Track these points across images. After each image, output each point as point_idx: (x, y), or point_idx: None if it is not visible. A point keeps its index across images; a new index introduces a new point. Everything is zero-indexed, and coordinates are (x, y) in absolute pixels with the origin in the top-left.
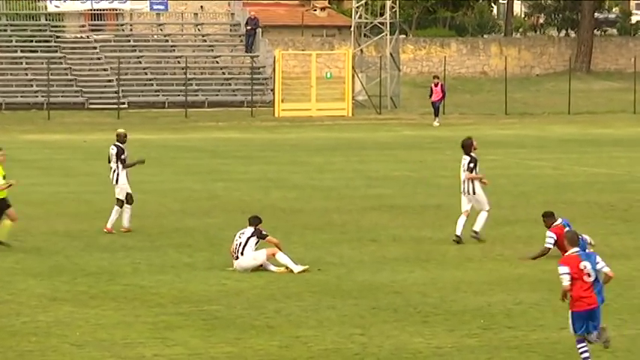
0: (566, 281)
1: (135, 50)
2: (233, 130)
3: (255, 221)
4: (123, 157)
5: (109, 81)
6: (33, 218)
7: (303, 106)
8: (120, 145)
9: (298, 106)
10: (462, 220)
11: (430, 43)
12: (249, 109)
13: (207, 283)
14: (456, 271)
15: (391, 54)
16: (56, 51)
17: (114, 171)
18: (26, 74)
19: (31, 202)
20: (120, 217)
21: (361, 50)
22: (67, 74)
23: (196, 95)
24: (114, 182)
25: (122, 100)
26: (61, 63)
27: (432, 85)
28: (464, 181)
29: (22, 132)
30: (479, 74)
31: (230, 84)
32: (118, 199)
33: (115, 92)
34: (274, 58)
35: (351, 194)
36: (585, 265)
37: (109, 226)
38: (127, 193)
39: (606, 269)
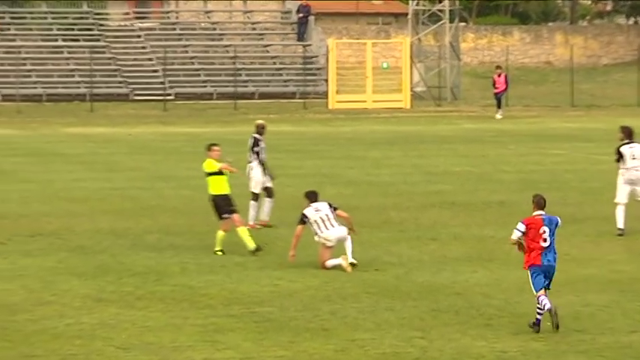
0: (515, 236)
1: (181, 39)
2: (285, 122)
3: (313, 196)
4: (256, 149)
5: (155, 71)
6: (76, 215)
7: (359, 97)
8: (257, 136)
9: (353, 97)
10: (621, 212)
11: (492, 31)
12: (302, 100)
13: (259, 283)
14: (520, 271)
15: (451, 43)
16: (99, 40)
17: (249, 163)
18: (68, 64)
19: (74, 199)
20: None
21: (419, 39)
22: (110, 64)
23: (246, 86)
24: (248, 175)
25: (168, 92)
26: (105, 52)
27: (495, 75)
28: (632, 170)
29: (64, 125)
30: (543, 64)
31: (281, 74)
32: (252, 192)
33: (161, 83)
34: (327, 47)
35: (409, 190)
36: (545, 230)
37: (250, 222)
38: (267, 187)
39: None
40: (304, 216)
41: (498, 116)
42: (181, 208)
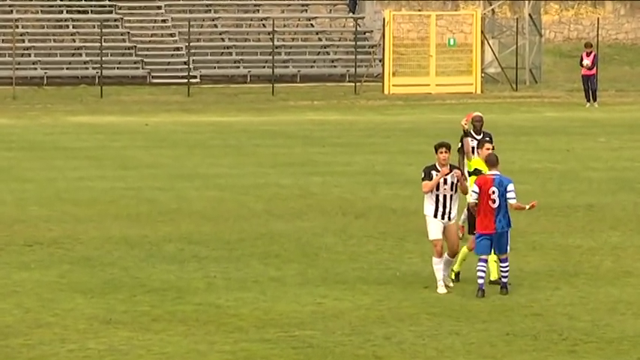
0: (472, 198)
1: (209, 11)
2: (332, 110)
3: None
4: (459, 146)
5: (177, 49)
6: (82, 221)
7: (420, 80)
8: (469, 132)
9: (413, 80)
10: None
11: (579, 1)
12: (352, 84)
13: (299, 302)
14: (611, 288)
15: (530, 15)
16: (111, 12)
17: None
18: (74, 41)
19: (79, 201)
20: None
21: (493, 10)
22: (124, 41)
23: (286, 67)
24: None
25: (193, 74)
26: (117, 27)
27: (583, 54)
28: None
29: (67, 113)
30: None
31: (328, 53)
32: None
33: (185, 63)
34: (384, 20)
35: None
36: (494, 190)
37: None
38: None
39: (512, 201)
40: None
41: (591, 105)
42: (207, 213)
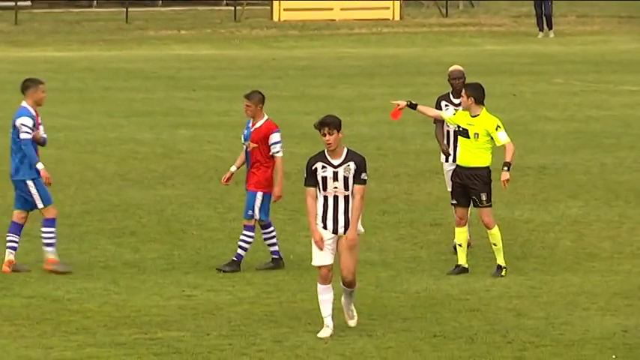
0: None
1: None
2: (204, 42)
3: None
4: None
5: None
6: None
7: (320, 4)
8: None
9: (311, 3)
10: None
11: None
12: (232, 8)
13: (162, 294)
14: (571, 275)
15: None
16: None
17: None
18: None
19: None
20: None
21: None
22: None
23: None
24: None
25: None
26: None
27: None
28: None
29: None
30: None
31: None
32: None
33: None
34: None
35: (398, 149)
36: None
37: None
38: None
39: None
40: None
41: (544, 35)
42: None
